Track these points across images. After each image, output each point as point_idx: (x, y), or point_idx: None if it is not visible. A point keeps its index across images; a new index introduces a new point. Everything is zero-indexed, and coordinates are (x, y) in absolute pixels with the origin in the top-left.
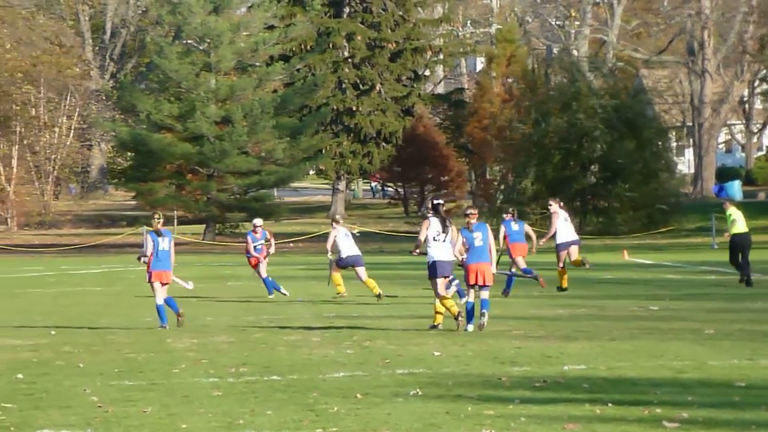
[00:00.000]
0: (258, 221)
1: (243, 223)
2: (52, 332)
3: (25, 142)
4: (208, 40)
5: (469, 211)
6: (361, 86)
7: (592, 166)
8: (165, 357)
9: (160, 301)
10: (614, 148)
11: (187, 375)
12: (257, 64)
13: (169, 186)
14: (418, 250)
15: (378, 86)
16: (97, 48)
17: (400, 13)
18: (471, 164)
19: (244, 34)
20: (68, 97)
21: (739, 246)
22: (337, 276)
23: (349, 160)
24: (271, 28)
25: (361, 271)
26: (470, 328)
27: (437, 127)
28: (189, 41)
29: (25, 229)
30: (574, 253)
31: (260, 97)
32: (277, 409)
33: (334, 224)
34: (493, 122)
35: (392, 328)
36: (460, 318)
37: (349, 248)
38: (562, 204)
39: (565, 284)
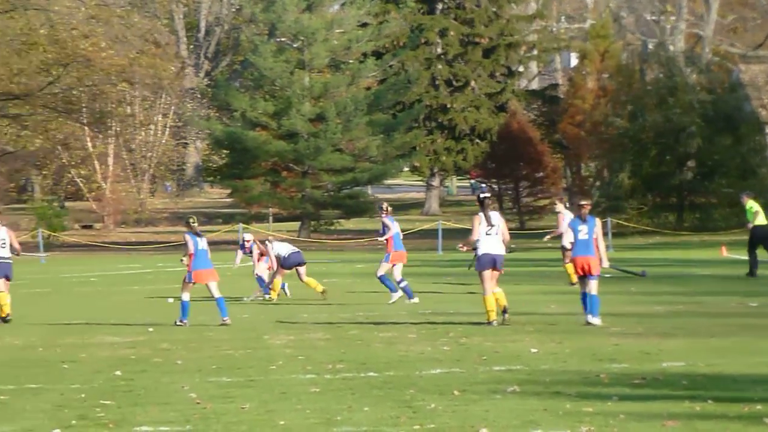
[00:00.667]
0: (247, 236)
1: (338, 221)
2: (150, 329)
3: (121, 140)
4: (302, 38)
5: (582, 202)
6: (454, 83)
7: (689, 162)
8: (262, 354)
9: (186, 297)
10: (711, 144)
11: (285, 372)
12: (350, 61)
13: (264, 183)
14: (465, 247)
15: (472, 82)
16: (191, 46)
17: (494, 9)
18: (566, 160)
19: (338, 31)
20: (163, 96)
21: (760, 238)
22: (278, 281)
23: (443, 157)
24: (364, 25)
25: (302, 270)
26: (597, 321)
27: (531, 123)
28: (283, 39)
29: (121, 227)
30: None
31: (353, 94)
32: (374, 405)
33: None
34: (588, 118)
35: (489, 325)
36: (506, 315)
37: (289, 248)
38: (567, 204)
39: (575, 279)
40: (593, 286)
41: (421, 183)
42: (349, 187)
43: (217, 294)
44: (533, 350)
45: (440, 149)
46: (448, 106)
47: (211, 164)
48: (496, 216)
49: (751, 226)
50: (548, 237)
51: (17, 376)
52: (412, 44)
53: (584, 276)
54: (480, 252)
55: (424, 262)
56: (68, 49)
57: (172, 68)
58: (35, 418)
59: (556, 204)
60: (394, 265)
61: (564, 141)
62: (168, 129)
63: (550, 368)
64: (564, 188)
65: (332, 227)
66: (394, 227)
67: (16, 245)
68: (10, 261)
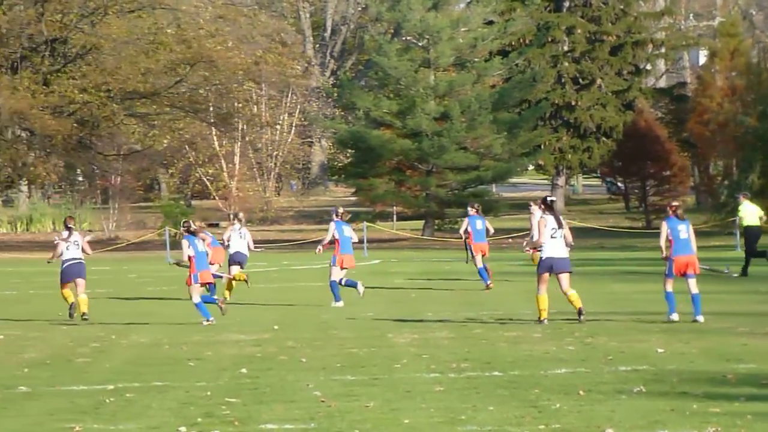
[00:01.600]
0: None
1: (462, 219)
2: (275, 327)
3: (247, 139)
4: (428, 37)
5: (674, 203)
6: (580, 80)
7: None
8: (386, 352)
9: (197, 299)
10: None
11: (409, 370)
12: (476, 59)
13: (389, 182)
14: (530, 249)
15: (598, 80)
16: (317, 45)
17: (621, 6)
18: (693, 159)
19: (463, 29)
20: (289, 95)
21: (754, 237)
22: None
23: (569, 155)
24: (490, 23)
25: (236, 269)
26: (675, 317)
27: (658, 121)
28: (408, 38)
29: (247, 226)
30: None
31: (478, 92)
32: (498, 405)
33: (235, 221)
34: (715, 116)
35: (614, 325)
36: (582, 317)
37: (239, 246)
38: (542, 206)
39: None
40: (693, 285)
41: (546, 181)
42: (473, 185)
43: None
44: (659, 350)
45: (566, 147)
46: (574, 103)
47: (336, 163)
48: (562, 219)
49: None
50: (525, 243)
51: (143, 374)
52: (538, 42)
53: (683, 275)
54: (544, 255)
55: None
56: (194, 48)
57: (298, 67)
58: (161, 416)
59: (531, 205)
60: (342, 268)
61: (691, 139)
62: (294, 128)
63: (677, 368)
64: (691, 187)
65: (456, 226)
66: (339, 232)
67: (88, 249)
68: (83, 261)
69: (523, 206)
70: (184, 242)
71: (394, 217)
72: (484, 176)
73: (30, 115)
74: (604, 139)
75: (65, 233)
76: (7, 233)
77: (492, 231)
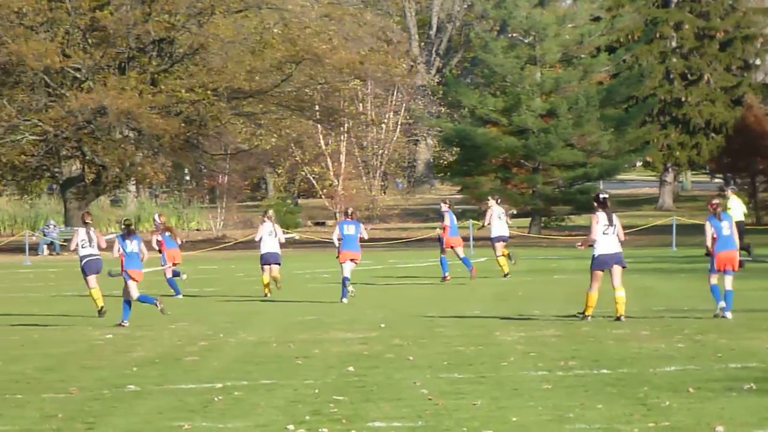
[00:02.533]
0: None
1: (569, 216)
2: (382, 325)
3: (353, 137)
4: (534, 33)
5: (714, 201)
6: (689, 76)
7: None
8: (493, 350)
9: (128, 297)
10: None
11: (516, 368)
12: (582, 55)
13: (495, 180)
14: (584, 245)
15: (707, 76)
16: (423, 43)
17: (730, 1)
18: None
19: (570, 26)
20: (395, 93)
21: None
22: (265, 276)
23: (677, 152)
24: (597, 19)
25: (276, 269)
26: (729, 315)
27: None
28: (514, 35)
29: None
30: (499, 248)
31: (585, 89)
32: (607, 402)
33: (265, 220)
34: None
35: (723, 322)
36: (622, 318)
37: (270, 245)
38: (499, 201)
39: (507, 270)
40: (729, 282)
41: (654, 178)
42: (580, 182)
43: (135, 295)
44: None
45: (674, 144)
46: (683, 100)
47: (441, 161)
48: (614, 216)
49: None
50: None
51: (251, 372)
52: (646, 38)
53: (723, 271)
54: (596, 252)
55: (657, 258)
56: (300, 47)
57: (404, 65)
58: (269, 414)
59: (488, 199)
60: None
61: None
62: (399, 126)
63: None
64: None
65: (563, 223)
66: (266, 232)
67: (103, 243)
68: (100, 257)
69: (630, 203)
70: (115, 243)
71: None
72: (591, 173)
73: (138, 115)
74: (712, 135)
75: (82, 230)
76: (115, 233)
77: (366, 237)
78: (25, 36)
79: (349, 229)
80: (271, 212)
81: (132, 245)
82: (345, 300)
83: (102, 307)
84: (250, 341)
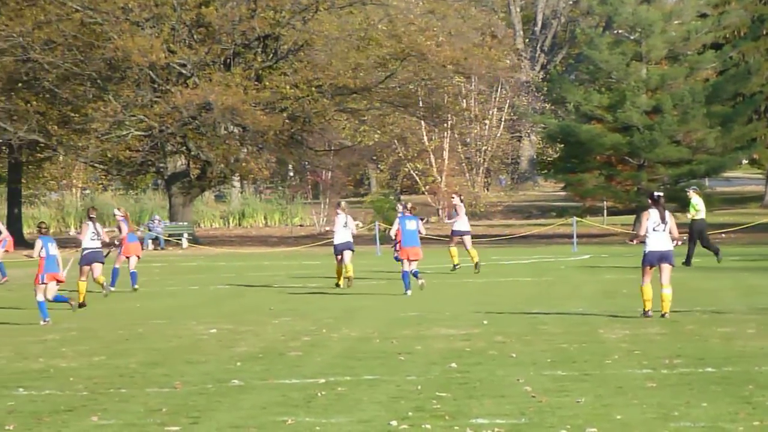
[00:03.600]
0: (116, 211)
1: (674, 214)
2: (485, 322)
3: (456, 134)
4: (639, 30)
5: None
6: None
7: None
8: (597, 348)
9: (40, 298)
10: None
11: (620, 366)
12: (688, 52)
13: (599, 177)
14: (636, 240)
15: None
16: (527, 39)
17: None
18: None
19: (676, 22)
20: (499, 89)
21: (703, 230)
22: (341, 267)
23: None
24: (703, 16)
25: (348, 255)
26: None
27: None
28: (619, 31)
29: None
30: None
31: (691, 85)
32: (712, 401)
33: (339, 211)
34: None
35: None
36: (667, 316)
37: (343, 236)
38: (462, 198)
39: (456, 260)
40: None
41: (760, 175)
42: (685, 179)
43: (51, 296)
44: None
45: None
46: None
47: (545, 157)
48: (667, 214)
49: (690, 218)
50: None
51: (354, 368)
52: (752, 35)
53: None
54: (646, 248)
55: (763, 256)
56: (405, 43)
57: (508, 61)
58: (372, 410)
59: (453, 197)
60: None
61: None
62: (503, 123)
63: None
64: None
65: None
66: (402, 226)
67: (105, 237)
68: (101, 250)
69: (736, 200)
70: (38, 242)
71: (605, 212)
72: (697, 170)
73: (242, 111)
74: None
75: (89, 224)
76: (220, 228)
77: (424, 233)
78: (130, 32)
79: (411, 225)
80: (343, 204)
81: (53, 248)
82: (409, 292)
83: (82, 303)
84: (352, 337)
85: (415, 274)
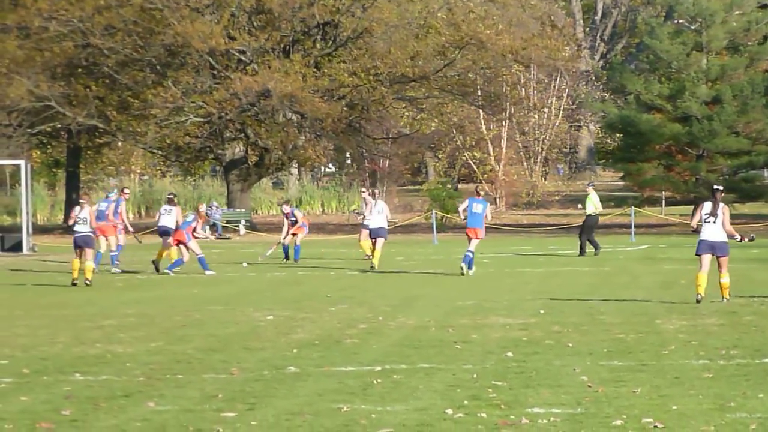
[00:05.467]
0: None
1: (733, 204)
2: (542, 311)
3: (514, 122)
4: (700, 20)
5: None
6: None
7: None
8: (655, 338)
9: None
10: None
11: (678, 356)
12: (749, 43)
13: (658, 166)
14: (695, 226)
15: None
16: (587, 29)
17: None
18: None
19: (737, 13)
20: (558, 78)
21: (592, 225)
22: (366, 243)
23: None
24: (764, 6)
25: (380, 242)
26: None
27: None
28: (680, 21)
29: (513, 209)
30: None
31: (751, 76)
32: None
33: (367, 195)
34: None
35: None
36: (724, 301)
37: (377, 221)
38: (377, 194)
39: (368, 252)
40: None
41: None
42: (744, 170)
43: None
44: None
45: None
46: None
47: (603, 147)
48: (719, 206)
49: (587, 213)
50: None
51: (410, 356)
52: None
53: None
54: (700, 237)
55: None
56: (464, 31)
57: (567, 50)
58: (428, 398)
59: (363, 191)
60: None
61: None
62: (561, 112)
63: None
64: None
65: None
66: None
67: (93, 222)
68: (91, 234)
69: None
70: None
71: (663, 202)
72: (756, 161)
73: (301, 98)
74: None
75: (77, 209)
76: (278, 215)
77: (489, 218)
78: (191, 18)
79: (477, 207)
80: (377, 190)
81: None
82: (472, 271)
83: (75, 280)
84: (409, 325)
85: (467, 261)
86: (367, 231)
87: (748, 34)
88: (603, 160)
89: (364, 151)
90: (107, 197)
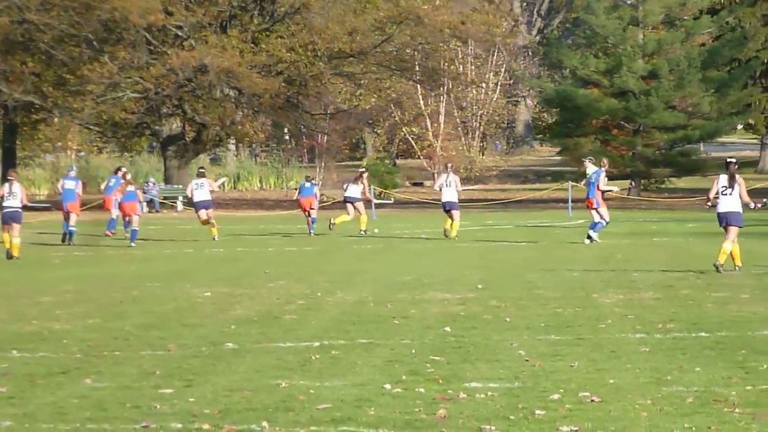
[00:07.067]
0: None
1: (669, 179)
2: (479, 286)
3: (452, 98)
4: None
5: None
6: None
7: None
8: (592, 312)
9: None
10: None
11: (614, 330)
12: (685, 17)
13: (595, 141)
14: (709, 203)
15: None
16: (524, 4)
17: None
18: None
19: None
20: (495, 54)
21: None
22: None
23: None
24: None
25: (455, 214)
26: None
27: None
28: None
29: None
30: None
31: (687, 51)
32: (705, 366)
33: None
34: None
35: None
36: (717, 264)
37: (446, 195)
38: (204, 172)
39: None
40: None
41: (755, 141)
42: (680, 144)
43: None
44: None
45: None
46: None
47: (541, 122)
48: (736, 178)
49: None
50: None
51: (349, 332)
52: (749, 0)
53: None
54: (717, 210)
55: (758, 221)
56: (402, 6)
57: (505, 25)
58: (366, 373)
59: (362, 170)
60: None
61: None
62: (499, 87)
63: None
64: None
65: (663, 186)
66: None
67: (25, 199)
68: (20, 210)
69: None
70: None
71: None
72: (692, 135)
73: (238, 74)
74: None
75: (6, 185)
76: (215, 191)
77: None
78: None
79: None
80: (450, 165)
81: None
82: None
83: (8, 251)
84: (348, 301)
85: (592, 226)
86: (351, 206)
87: (684, 9)
88: (540, 135)
89: (302, 126)
90: (68, 174)
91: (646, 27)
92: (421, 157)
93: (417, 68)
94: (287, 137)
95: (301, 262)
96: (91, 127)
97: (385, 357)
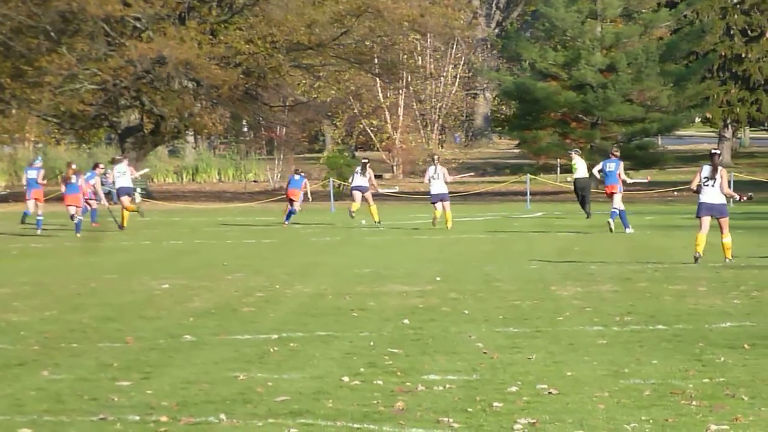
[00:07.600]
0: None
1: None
2: (438, 279)
3: (411, 90)
4: None
5: None
6: (749, 32)
7: None
8: (550, 305)
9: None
10: None
11: (572, 323)
12: (643, 10)
13: (553, 134)
14: (696, 191)
15: (767, 32)
16: None
17: None
18: None
19: None
20: (454, 46)
21: (579, 188)
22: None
23: (737, 108)
24: None
25: (447, 205)
26: None
27: None
28: None
29: (410, 177)
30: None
31: (645, 44)
32: (663, 358)
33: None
34: None
35: None
36: (727, 261)
37: (435, 187)
38: (128, 160)
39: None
40: None
41: (713, 134)
42: (638, 138)
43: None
44: None
45: (734, 100)
46: (743, 56)
47: (499, 115)
48: (718, 170)
49: (571, 179)
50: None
51: (307, 324)
52: None
53: None
54: (699, 200)
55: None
56: (361, 0)
57: (463, 18)
58: (325, 366)
59: (365, 159)
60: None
61: None
62: (458, 80)
63: None
64: None
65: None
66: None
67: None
68: None
69: (689, 159)
70: None
71: (558, 169)
72: (650, 128)
73: (197, 66)
74: None
75: None
76: (174, 183)
77: (624, 178)
78: None
79: (611, 166)
80: (436, 157)
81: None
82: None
83: None
84: (306, 293)
85: (612, 215)
86: (359, 194)
87: (642, 2)
88: (499, 128)
89: (260, 118)
90: (32, 165)
91: (604, 20)
92: (381, 149)
93: (376, 61)
94: (246, 129)
95: (259, 254)
96: (49, 118)
97: (343, 349)
